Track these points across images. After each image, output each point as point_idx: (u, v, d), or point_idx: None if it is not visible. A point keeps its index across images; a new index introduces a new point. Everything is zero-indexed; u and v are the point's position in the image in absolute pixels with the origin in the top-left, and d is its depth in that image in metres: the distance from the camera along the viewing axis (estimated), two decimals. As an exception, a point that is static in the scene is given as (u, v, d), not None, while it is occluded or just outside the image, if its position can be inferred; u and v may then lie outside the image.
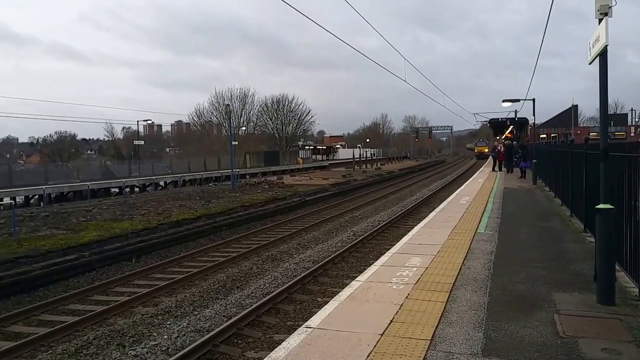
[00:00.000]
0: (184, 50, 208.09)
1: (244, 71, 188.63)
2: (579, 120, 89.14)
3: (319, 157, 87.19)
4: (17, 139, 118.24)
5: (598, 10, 5.54)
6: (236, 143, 47.73)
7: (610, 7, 5.50)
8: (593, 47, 5.90)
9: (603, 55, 5.66)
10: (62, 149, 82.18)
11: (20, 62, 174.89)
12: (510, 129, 47.00)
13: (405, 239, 10.22)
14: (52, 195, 30.38)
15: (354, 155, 61.99)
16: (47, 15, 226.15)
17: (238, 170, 43.73)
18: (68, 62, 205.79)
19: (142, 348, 7.43)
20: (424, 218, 13.37)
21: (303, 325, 5.29)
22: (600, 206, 5.71)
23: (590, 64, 6.10)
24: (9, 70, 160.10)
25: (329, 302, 6.18)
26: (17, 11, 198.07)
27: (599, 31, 5.61)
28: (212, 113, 76.55)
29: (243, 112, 77.26)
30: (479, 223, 11.63)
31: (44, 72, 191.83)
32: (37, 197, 30.06)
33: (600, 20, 5.58)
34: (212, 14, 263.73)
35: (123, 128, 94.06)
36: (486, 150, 76.97)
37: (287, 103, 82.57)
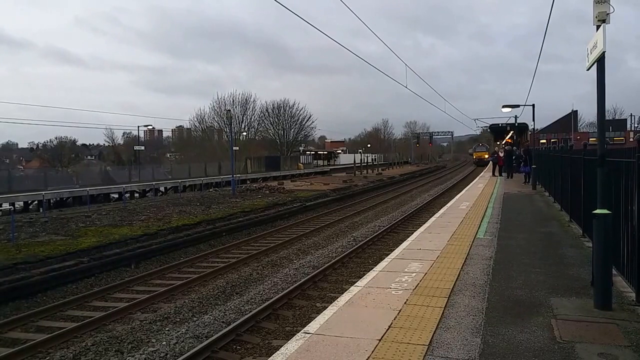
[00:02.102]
0: (182, 54, 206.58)
1: (243, 76, 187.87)
2: (579, 125, 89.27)
3: (320, 162, 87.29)
4: (17, 144, 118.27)
5: (596, 17, 5.57)
6: (237, 148, 47.83)
7: (608, 14, 5.52)
8: (591, 53, 5.92)
9: (601, 61, 5.68)
10: (62, 155, 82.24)
11: (15, 67, 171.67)
12: (510, 134, 47.10)
13: (404, 244, 10.23)
14: (51, 201, 30.40)
15: (354, 161, 62.03)
16: (41, 19, 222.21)
17: (239, 175, 43.79)
18: (65, 66, 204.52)
19: (141, 354, 7.42)
20: (424, 223, 13.37)
21: (301, 331, 5.28)
22: (597, 211, 5.71)
23: (588, 70, 6.12)
24: (5, 75, 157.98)
25: (327, 307, 6.18)
26: (10, 14, 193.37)
27: (597, 38, 5.63)
28: (213, 118, 76.93)
29: (244, 118, 77.59)
30: (479, 228, 11.63)
31: (40, 76, 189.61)
32: (36, 202, 30.06)
33: (598, 27, 5.61)
34: (209, 17, 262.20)
35: (124, 133, 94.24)
36: (486, 156, 71.42)
37: (287, 108, 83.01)
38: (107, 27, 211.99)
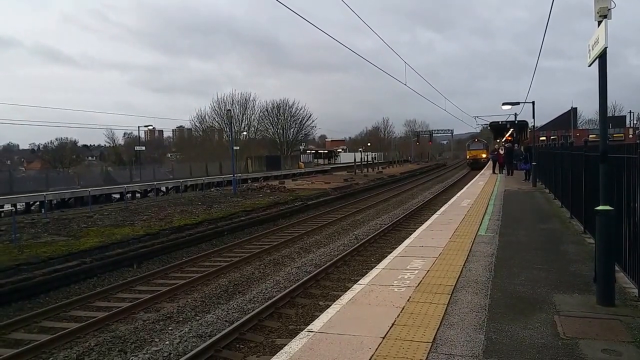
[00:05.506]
0: (175, 52, 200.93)
1: (240, 74, 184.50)
2: (578, 122, 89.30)
3: (321, 161, 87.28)
4: (18, 145, 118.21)
5: (597, 13, 5.56)
6: (237, 148, 47.79)
7: (609, 9, 5.52)
8: (592, 49, 5.92)
9: (602, 57, 5.68)
10: (63, 156, 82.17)
11: (3, 66, 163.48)
12: (510, 131, 47.09)
13: (407, 241, 10.24)
14: (53, 202, 30.39)
15: (355, 159, 62.03)
16: (27, 15, 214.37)
17: (240, 175, 43.79)
18: (55, 66, 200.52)
19: (144, 354, 7.43)
20: (426, 221, 13.38)
21: (305, 329, 5.29)
22: (600, 208, 5.72)
23: (589, 66, 6.11)
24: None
25: (330, 305, 6.19)
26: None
27: (598, 33, 5.63)
28: (213, 118, 76.91)
29: (244, 117, 77.58)
30: (480, 225, 11.63)
31: (30, 76, 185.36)
32: (38, 203, 30.08)
33: (599, 23, 5.60)
34: (202, 13, 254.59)
35: (124, 134, 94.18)
36: (484, 155, 59.77)
37: (287, 108, 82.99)
38: (97, 24, 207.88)
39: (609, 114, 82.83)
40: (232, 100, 75.63)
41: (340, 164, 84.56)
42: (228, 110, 50.38)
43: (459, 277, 7.08)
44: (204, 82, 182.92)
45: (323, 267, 11.94)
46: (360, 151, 78.43)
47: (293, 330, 8.02)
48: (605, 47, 5.51)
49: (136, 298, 10.67)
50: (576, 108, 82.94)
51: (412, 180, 47.87)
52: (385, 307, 5.86)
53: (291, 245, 16.04)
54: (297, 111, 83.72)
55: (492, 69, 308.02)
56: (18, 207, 28.56)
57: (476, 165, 55.42)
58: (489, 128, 62.16)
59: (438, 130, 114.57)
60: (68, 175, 43.65)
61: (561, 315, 5.37)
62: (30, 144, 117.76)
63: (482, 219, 12.71)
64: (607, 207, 5.69)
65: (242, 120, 76.98)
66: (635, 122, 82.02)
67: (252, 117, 79.32)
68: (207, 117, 77.64)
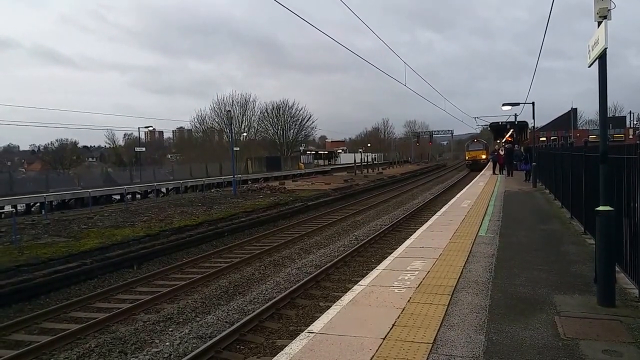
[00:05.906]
0: (174, 53, 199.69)
1: (239, 74, 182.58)
2: (579, 123, 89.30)
3: (321, 162, 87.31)
4: (18, 146, 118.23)
5: (597, 14, 5.56)
6: (238, 149, 47.80)
7: (609, 10, 5.52)
8: (592, 49, 5.92)
9: (602, 58, 5.68)
10: (63, 157, 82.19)
11: (2, 67, 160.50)
12: (510, 132, 47.11)
13: (407, 242, 10.24)
14: (53, 203, 30.38)
15: (355, 160, 62.04)
16: (26, 16, 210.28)
17: (240, 175, 43.79)
18: (54, 67, 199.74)
19: (144, 355, 7.43)
20: (426, 222, 13.38)
21: (305, 330, 5.29)
22: (600, 208, 5.72)
23: (589, 66, 6.11)
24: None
25: (331, 306, 6.19)
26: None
27: (598, 34, 5.63)
28: (214, 119, 76.97)
29: (244, 118, 77.64)
30: (480, 226, 11.63)
31: (30, 77, 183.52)
32: (38, 204, 30.08)
33: (599, 23, 5.60)
34: (201, 14, 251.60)
35: (124, 135, 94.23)
36: (484, 156, 57.24)
37: (287, 109, 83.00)
38: (95, 25, 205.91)
39: (609, 115, 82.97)
40: (232, 101, 75.79)
41: (341, 164, 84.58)
42: (228, 111, 50.45)
43: (459, 277, 7.08)
44: (203, 83, 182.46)
45: (323, 268, 11.94)
46: (360, 152, 78.42)
47: (293, 331, 8.02)
48: (605, 48, 5.51)
49: (136, 299, 10.67)
50: (576, 108, 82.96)
51: (413, 181, 47.87)
52: (385, 308, 5.86)
53: (291, 246, 16.04)
54: (297, 112, 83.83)
55: (492, 69, 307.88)
56: (18, 208, 28.54)
57: (475, 167, 53.05)
58: (489, 129, 62.13)
59: (438, 131, 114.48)
60: (68, 176, 43.71)
61: (562, 316, 5.37)
62: (30, 145, 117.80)
63: (483, 219, 12.71)
64: (608, 208, 5.69)
65: (242, 121, 77.07)
66: (635, 122, 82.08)
67: (252, 118, 79.48)
68: (207, 118, 77.83)
